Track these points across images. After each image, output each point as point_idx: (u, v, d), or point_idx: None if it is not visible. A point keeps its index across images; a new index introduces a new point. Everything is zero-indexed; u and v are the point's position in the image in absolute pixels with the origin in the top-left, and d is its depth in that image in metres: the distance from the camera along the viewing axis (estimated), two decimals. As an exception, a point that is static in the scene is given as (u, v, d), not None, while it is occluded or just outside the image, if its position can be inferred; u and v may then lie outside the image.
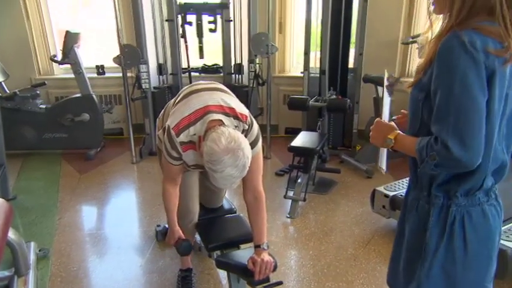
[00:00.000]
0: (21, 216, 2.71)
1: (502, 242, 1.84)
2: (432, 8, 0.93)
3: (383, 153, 1.16)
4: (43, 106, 3.78)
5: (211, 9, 3.78)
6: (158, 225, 2.46)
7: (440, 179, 0.98)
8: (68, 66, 3.74)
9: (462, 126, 0.85)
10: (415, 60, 3.92)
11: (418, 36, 3.46)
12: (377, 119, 1.07)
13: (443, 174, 0.97)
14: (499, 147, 0.94)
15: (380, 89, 3.32)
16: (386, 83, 1.36)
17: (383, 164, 1.17)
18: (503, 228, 1.95)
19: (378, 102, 3.34)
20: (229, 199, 2.25)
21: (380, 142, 1.03)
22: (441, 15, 0.92)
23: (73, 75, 3.74)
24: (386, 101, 1.28)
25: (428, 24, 0.95)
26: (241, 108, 1.53)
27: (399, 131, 1.01)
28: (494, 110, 0.86)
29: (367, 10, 3.39)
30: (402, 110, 1.16)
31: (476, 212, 0.98)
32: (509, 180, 2.56)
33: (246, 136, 1.47)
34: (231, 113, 1.49)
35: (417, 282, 1.03)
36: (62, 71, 4.30)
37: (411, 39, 3.58)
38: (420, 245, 1.01)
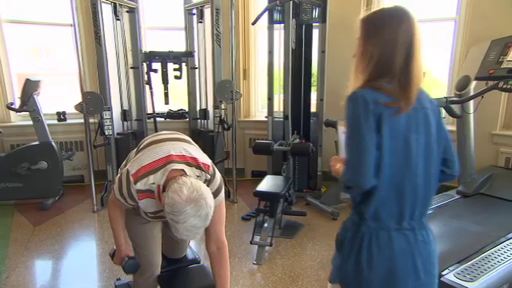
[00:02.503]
0: (-36, 276, 2.48)
1: (458, 281, 1.90)
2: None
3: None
4: (-4, 155, 3.61)
5: (176, 58, 3.87)
6: (118, 279, 2.32)
7: (356, 202, 1.20)
8: (26, 113, 3.64)
9: (353, 157, 1.10)
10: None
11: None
12: (334, 156, 1.27)
13: (358, 198, 1.18)
14: (395, 184, 1.13)
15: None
16: (341, 129, 1.47)
17: (344, 195, 1.30)
18: (460, 268, 2.02)
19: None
20: (194, 247, 2.18)
21: (335, 172, 1.21)
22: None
23: (31, 122, 3.63)
24: (342, 141, 1.43)
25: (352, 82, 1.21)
26: (203, 158, 1.54)
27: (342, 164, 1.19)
28: (385, 144, 1.09)
29: (325, 60, 3.61)
30: None
31: (382, 235, 1.15)
32: (462, 221, 2.67)
33: (208, 186, 1.47)
34: (194, 162, 1.49)
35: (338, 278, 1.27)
36: (19, 118, 4.15)
37: (366, 86, 3.81)
38: (344, 251, 1.23)
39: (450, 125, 3.80)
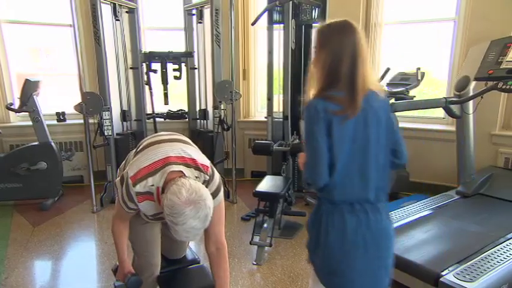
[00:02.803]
0: (-37, 277, 2.47)
1: (457, 281, 1.90)
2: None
3: None
4: (-4, 155, 3.61)
5: (176, 58, 3.87)
6: (117, 280, 2.32)
7: (317, 189, 1.36)
8: (26, 113, 3.64)
9: (310, 159, 1.28)
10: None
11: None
12: (302, 153, 1.40)
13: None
14: (350, 175, 1.30)
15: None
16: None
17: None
18: (459, 268, 2.02)
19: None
20: (193, 247, 2.18)
21: (302, 167, 1.37)
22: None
23: (30, 123, 3.63)
24: None
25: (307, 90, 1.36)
26: (202, 159, 1.54)
27: None
28: (335, 147, 1.25)
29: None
30: None
31: (337, 215, 1.32)
32: (461, 221, 2.67)
33: (207, 186, 1.47)
34: (192, 163, 1.49)
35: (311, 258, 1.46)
36: (18, 119, 4.15)
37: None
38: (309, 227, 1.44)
39: (450, 125, 3.81)
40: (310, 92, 1.32)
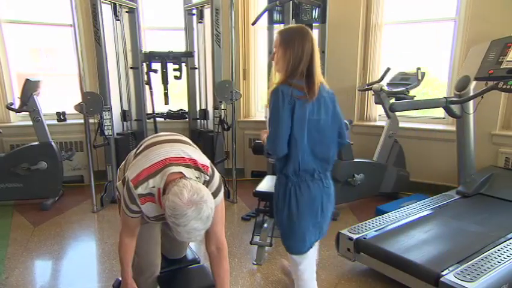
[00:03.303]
0: (-36, 276, 2.47)
1: (457, 281, 1.89)
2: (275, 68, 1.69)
3: None
4: (-4, 155, 3.61)
5: (176, 58, 3.87)
6: (117, 279, 2.32)
7: (280, 167, 1.70)
8: (26, 113, 3.64)
9: (273, 132, 1.61)
10: (372, 106, 4.16)
11: (373, 84, 3.69)
12: (263, 130, 1.77)
13: (281, 163, 1.69)
14: (308, 149, 1.65)
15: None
16: (267, 111, 1.91)
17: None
18: (459, 268, 2.03)
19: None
20: (193, 247, 2.18)
21: (262, 141, 1.76)
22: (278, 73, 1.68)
23: (31, 123, 3.63)
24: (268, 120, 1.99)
25: (272, 79, 1.71)
26: (202, 159, 1.54)
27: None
28: (295, 125, 1.59)
29: (325, 60, 3.61)
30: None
31: (303, 185, 1.68)
32: (462, 221, 2.67)
33: (207, 186, 1.46)
34: (192, 164, 1.49)
35: (277, 225, 1.83)
36: (19, 118, 4.16)
37: (367, 87, 3.82)
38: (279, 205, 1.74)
39: (450, 125, 3.81)
40: (275, 80, 1.66)
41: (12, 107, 3.69)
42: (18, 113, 3.95)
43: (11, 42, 4.10)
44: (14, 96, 4.06)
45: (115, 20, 3.85)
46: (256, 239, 2.79)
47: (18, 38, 4.20)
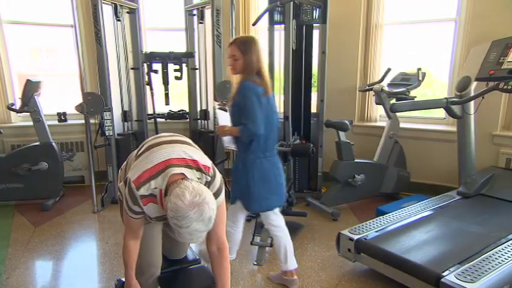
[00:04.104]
0: (-36, 276, 2.47)
1: (458, 282, 1.89)
2: (231, 71, 2.16)
3: (226, 139, 2.36)
4: (-3, 155, 3.61)
5: (177, 58, 3.87)
6: (118, 280, 2.32)
7: (243, 147, 2.19)
8: (27, 113, 3.64)
9: (256, 117, 2.05)
10: (372, 106, 4.16)
11: (374, 84, 3.69)
12: (219, 125, 2.34)
13: (243, 146, 2.17)
14: (268, 134, 2.17)
15: (341, 133, 3.47)
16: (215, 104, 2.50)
17: (229, 144, 2.38)
18: (460, 268, 2.03)
19: (340, 146, 3.47)
20: (194, 247, 2.18)
21: (222, 133, 2.27)
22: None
23: (31, 123, 3.64)
24: (221, 116, 2.54)
25: (232, 77, 2.24)
26: (203, 160, 1.54)
27: (230, 126, 2.22)
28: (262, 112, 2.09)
29: (326, 61, 3.61)
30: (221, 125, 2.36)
31: (259, 160, 2.18)
32: (462, 222, 2.66)
33: (209, 187, 1.47)
34: (194, 165, 1.49)
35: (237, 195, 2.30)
36: (20, 119, 4.16)
37: (367, 87, 3.82)
38: (239, 177, 2.24)
39: (450, 126, 3.81)
40: (236, 78, 2.14)
41: (13, 107, 3.69)
42: (19, 114, 3.95)
43: (12, 42, 4.10)
44: (15, 96, 4.06)
45: (115, 20, 3.86)
46: (257, 239, 2.79)
47: (19, 39, 4.21)
